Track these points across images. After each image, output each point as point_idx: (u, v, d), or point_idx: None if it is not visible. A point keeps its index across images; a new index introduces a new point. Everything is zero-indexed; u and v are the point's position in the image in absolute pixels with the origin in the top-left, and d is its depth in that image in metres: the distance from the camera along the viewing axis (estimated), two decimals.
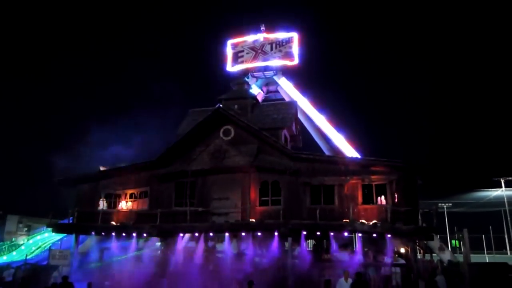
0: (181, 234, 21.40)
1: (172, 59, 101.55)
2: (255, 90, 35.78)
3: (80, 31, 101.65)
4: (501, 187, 35.40)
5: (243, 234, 20.51)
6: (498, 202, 36.30)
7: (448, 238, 34.02)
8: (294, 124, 26.26)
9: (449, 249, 28.17)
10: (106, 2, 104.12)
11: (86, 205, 24.05)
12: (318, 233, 19.69)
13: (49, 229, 27.58)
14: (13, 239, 38.90)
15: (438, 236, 26.63)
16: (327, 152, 33.08)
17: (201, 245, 20.87)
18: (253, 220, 20.27)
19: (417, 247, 22.63)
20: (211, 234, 21.24)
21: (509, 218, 32.82)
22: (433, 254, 26.97)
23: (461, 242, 25.05)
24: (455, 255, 27.08)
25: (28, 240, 36.22)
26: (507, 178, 35.06)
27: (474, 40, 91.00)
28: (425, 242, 23.78)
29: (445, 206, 35.15)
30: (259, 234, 20.04)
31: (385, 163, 20.11)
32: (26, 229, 43.83)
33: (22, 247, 34.57)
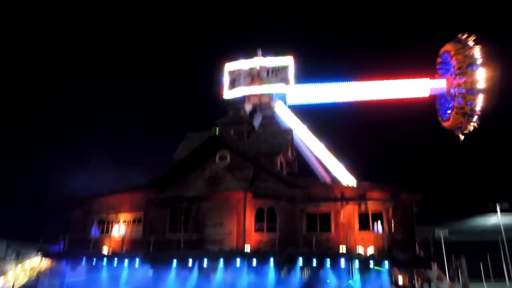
0: (175, 262, 20.91)
1: (169, 82, 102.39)
2: (258, 118, 36.03)
3: (76, 55, 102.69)
4: (497, 212, 35.28)
5: (238, 262, 20.07)
6: (495, 230, 36.12)
7: (446, 266, 33.57)
8: (290, 150, 26.27)
9: (448, 278, 27.70)
10: (104, 24, 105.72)
11: (78, 231, 23.59)
12: (315, 261, 19.32)
13: (39, 255, 26.86)
14: (1, 265, 37.84)
15: (435, 264, 26.26)
16: (323, 179, 32.91)
17: (195, 273, 20.38)
18: (249, 245, 19.89)
19: (415, 276, 22.25)
20: (205, 262, 20.78)
21: (506, 246, 32.58)
22: (431, 284, 26.51)
23: (459, 271, 24.64)
24: (454, 284, 26.59)
25: (16, 266, 35.23)
26: (503, 204, 34.96)
27: None
28: (423, 271, 23.41)
29: (441, 234, 34.85)
30: (254, 262, 19.63)
31: (381, 190, 20.05)
32: (15, 254, 42.72)
33: (11, 274, 33.58)
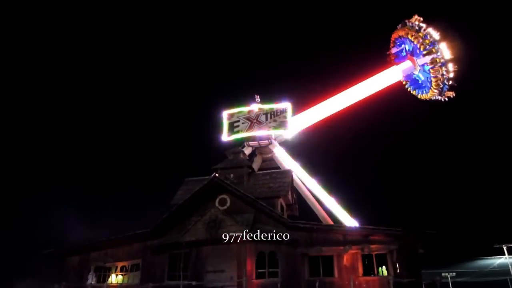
0: None
1: (167, 127, 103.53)
2: (257, 161, 36.37)
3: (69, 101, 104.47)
4: (504, 254, 34.55)
5: None
6: (503, 270, 35.17)
7: None
8: (290, 193, 26.16)
9: None
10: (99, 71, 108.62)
11: (74, 279, 22.97)
12: None
13: None
14: None
15: None
16: (324, 221, 32.52)
17: None
18: None
19: None
20: None
21: None
22: None
23: None
24: None
25: None
26: (509, 245, 34.30)
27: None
28: None
29: (449, 276, 33.87)
30: None
31: (384, 232, 19.79)
32: None
33: None
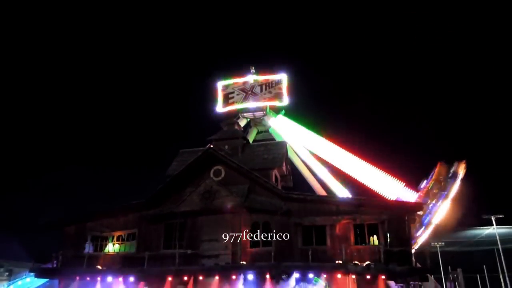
0: (170, 278, 20.70)
1: (162, 99, 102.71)
2: (250, 131, 36.29)
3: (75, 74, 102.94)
4: (492, 224, 35.33)
5: (234, 277, 19.92)
6: (491, 240, 36.09)
7: (443, 278, 33.47)
8: (284, 164, 26.34)
9: None
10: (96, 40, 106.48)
11: (72, 248, 23.31)
12: (311, 275, 19.24)
13: (32, 274, 26.46)
14: None
15: (432, 276, 26.22)
16: (318, 192, 32.99)
17: None
18: (244, 262, 19.80)
19: None
20: (200, 277, 20.60)
21: (503, 257, 32.52)
22: None
23: (456, 283, 24.60)
24: None
25: (8, 286, 34.63)
26: (498, 216, 35.04)
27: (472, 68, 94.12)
28: (419, 283, 23.35)
29: (438, 245, 34.77)
30: (250, 276, 19.50)
31: (376, 203, 20.15)
32: (7, 273, 42.00)
33: None
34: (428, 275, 21.70)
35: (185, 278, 20.39)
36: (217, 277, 19.90)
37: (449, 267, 34.80)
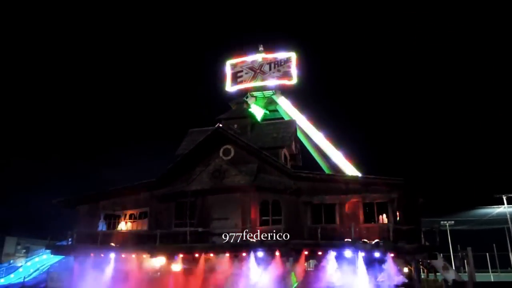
0: (181, 255, 21.12)
1: (171, 79, 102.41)
2: (259, 110, 36.03)
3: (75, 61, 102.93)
4: (503, 204, 35.15)
5: (244, 254, 20.25)
6: (501, 219, 35.98)
7: (452, 256, 33.59)
8: (293, 143, 26.30)
9: (453, 268, 27.72)
10: (103, 18, 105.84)
11: (86, 226, 23.86)
12: (320, 252, 19.45)
13: (48, 250, 27.25)
14: (11, 261, 38.42)
15: (441, 255, 26.31)
16: (327, 171, 32.98)
17: (201, 266, 20.60)
18: (254, 240, 20.07)
19: (421, 267, 22.33)
20: (211, 254, 20.98)
21: None
22: (437, 274, 26.56)
23: (466, 261, 24.65)
24: (460, 274, 26.65)
25: (26, 262, 35.79)
26: (509, 195, 34.81)
27: (476, 48, 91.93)
28: (428, 261, 23.47)
29: (447, 224, 34.81)
30: (260, 254, 19.79)
31: (385, 181, 20.05)
32: (24, 250, 43.37)
33: (20, 270, 34.11)
34: (437, 253, 21.76)
35: (196, 255, 20.77)
36: (227, 255, 20.25)
37: (458, 246, 34.86)
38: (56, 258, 30.76)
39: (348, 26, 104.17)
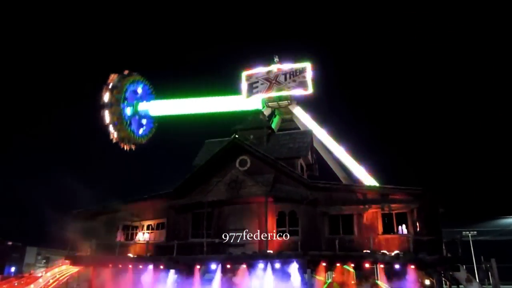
0: (198, 266, 21.09)
1: (186, 90, 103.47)
2: (275, 121, 36.14)
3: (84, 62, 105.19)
4: None
5: (261, 265, 20.06)
6: None
7: (475, 268, 32.59)
8: (310, 153, 26.14)
9: (477, 280, 26.84)
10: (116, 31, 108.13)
11: (104, 237, 24.10)
12: (338, 264, 19.15)
13: (67, 261, 27.56)
14: (31, 271, 39.01)
15: (464, 266, 25.54)
16: (344, 181, 32.60)
17: (218, 277, 20.49)
18: (271, 251, 19.90)
19: (443, 279, 21.70)
20: (228, 266, 20.87)
21: None
22: (460, 286, 25.72)
23: (490, 273, 23.86)
24: (484, 286, 25.77)
25: (46, 272, 36.25)
26: None
27: (486, 54, 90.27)
28: (451, 273, 22.78)
29: (470, 235, 33.88)
30: (277, 265, 19.58)
31: (404, 191, 19.70)
32: (44, 261, 44.04)
33: (40, 280, 34.54)
34: (460, 264, 21.14)
35: (213, 266, 20.69)
36: (244, 266, 20.11)
37: (482, 257, 33.80)
38: (75, 269, 31.07)
39: (365, 34, 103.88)
